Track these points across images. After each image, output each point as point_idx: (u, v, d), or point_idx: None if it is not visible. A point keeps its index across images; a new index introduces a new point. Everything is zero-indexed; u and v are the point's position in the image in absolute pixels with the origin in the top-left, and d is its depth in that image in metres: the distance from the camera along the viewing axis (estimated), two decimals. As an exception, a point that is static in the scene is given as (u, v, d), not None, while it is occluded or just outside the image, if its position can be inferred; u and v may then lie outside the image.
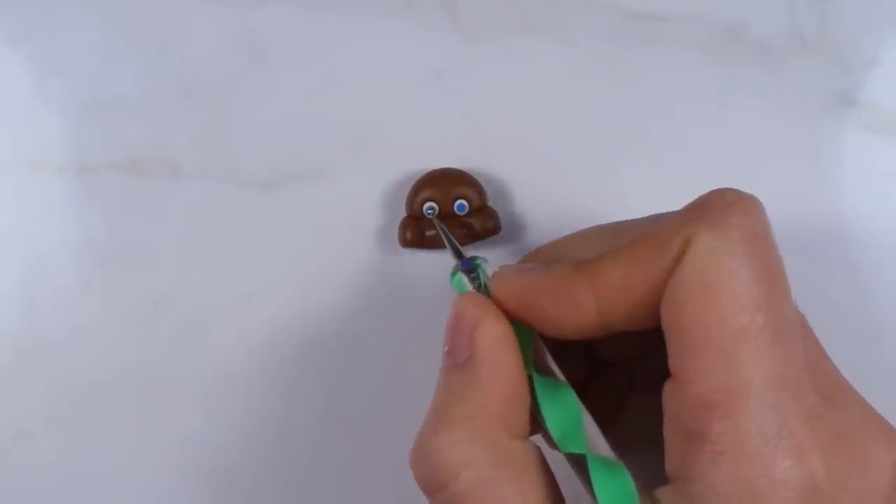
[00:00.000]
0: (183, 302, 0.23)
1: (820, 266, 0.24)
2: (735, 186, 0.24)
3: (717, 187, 0.24)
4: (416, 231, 0.22)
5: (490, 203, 0.23)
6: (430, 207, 0.22)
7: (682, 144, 0.24)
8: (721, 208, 0.17)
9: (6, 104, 0.22)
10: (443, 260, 0.23)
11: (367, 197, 0.23)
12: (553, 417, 0.17)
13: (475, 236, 0.23)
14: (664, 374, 0.16)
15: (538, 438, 0.18)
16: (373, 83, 0.23)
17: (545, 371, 0.18)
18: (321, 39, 0.23)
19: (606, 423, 0.17)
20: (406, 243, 0.23)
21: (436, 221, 0.22)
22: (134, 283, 0.23)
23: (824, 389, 0.17)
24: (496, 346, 0.18)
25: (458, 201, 0.22)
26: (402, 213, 0.23)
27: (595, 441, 0.17)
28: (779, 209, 0.24)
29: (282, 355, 0.23)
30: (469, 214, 0.22)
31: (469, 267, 0.20)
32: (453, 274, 0.20)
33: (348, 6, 0.23)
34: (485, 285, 0.19)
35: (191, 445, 0.23)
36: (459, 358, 0.19)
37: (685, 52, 0.23)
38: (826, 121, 0.24)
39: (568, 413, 0.17)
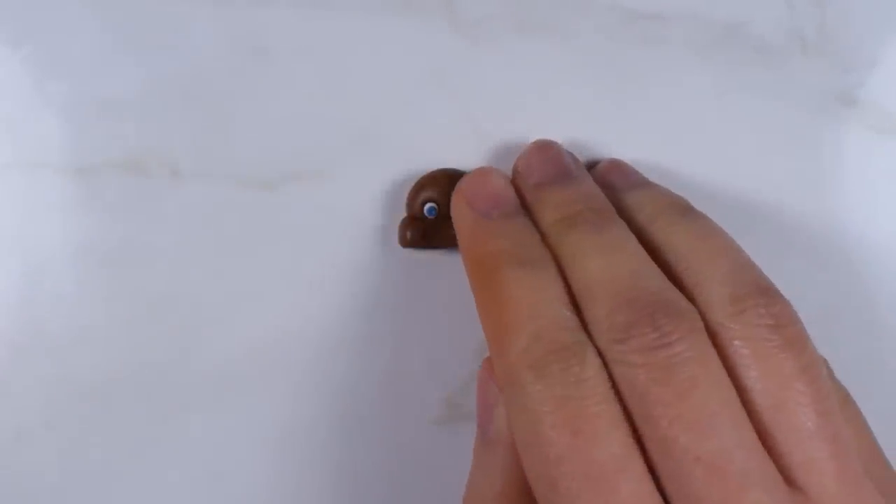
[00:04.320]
0: (183, 302, 0.23)
1: (820, 266, 0.24)
2: (734, 185, 0.24)
3: (713, 185, 0.24)
4: (416, 231, 0.22)
5: (490, 203, 0.23)
6: (430, 208, 0.22)
7: (682, 144, 0.24)
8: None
9: (6, 104, 0.22)
10: (443, 260, 0.23)
11: (367, 197, 0.23)
12: None
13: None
14: None
15: None
16: (373, 83, 0.23)
17: None
18: (321, 39, 0.23)
19: None
20: (406, 243, 0.23)
21: None
22: (134, 283, 0.23)
23: (883, 486, 0.17)
24: None
25: (458, 201, 0.22)
26: (403, 213, 0.23)
27: None
28: (779, 209, 0.24)
29: (281, 355, 0.23)
30: (469, 214, 0.22)
31: None
32: None
33: (348, 6, 0.23)
34: None
35: (191, 445, 0.23)
36: (486, 434, 0.20)
37: (685, 52, 0.23)
38: (826, 121, 0.24)
39: None
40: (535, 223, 0.21)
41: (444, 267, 0.23)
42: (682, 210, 0.20)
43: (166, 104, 0.23)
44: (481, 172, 0.22)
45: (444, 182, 0.23)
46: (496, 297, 0.19)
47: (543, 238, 0.20)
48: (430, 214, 0.22)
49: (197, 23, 0.23)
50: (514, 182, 0.22)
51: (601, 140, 0.23)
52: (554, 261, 0.19)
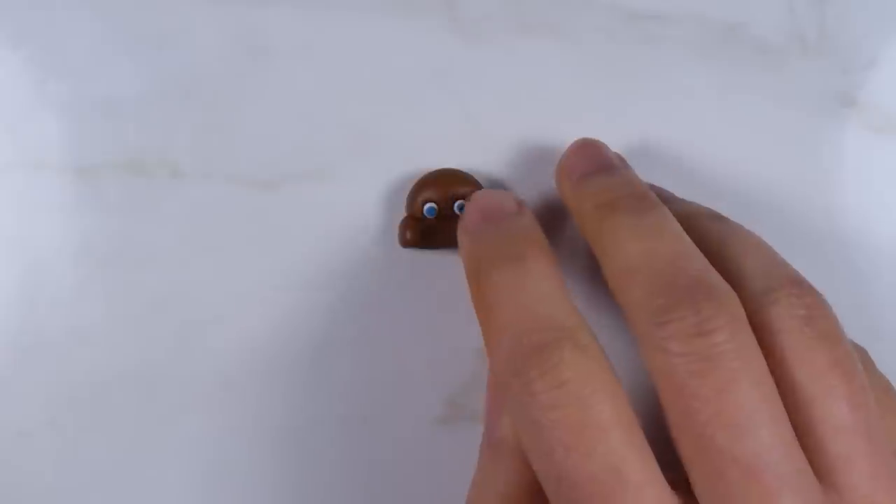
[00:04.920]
0: (183, 302, 0.23)
1: (820, 266, 0.24)
2: (735, 186, 0.24)
3: (714, 185, 0.24)
4: (416, 231, 0.22)
5: (490, 203, 0.23)
6: (430, 208, 0.22)
7: (682, 144, 0.24)
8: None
9: (6, 104, 0.22)
10: (443, 260, 0.23)
11: (367, 197, 0.23)
12: None
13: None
14: None
15: None
16: (373, 83, 0.23)
17: None
18: (321, 39, 0.23)
19: None
20: (406, 243, 0.23)
21: None
22: (134, 283, 0.23)
23: None
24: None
25: (458, 201, 0.22)
26: (403, 213, 0.23)
27: None
28: (779, 209, 0.24)
29: (281, 355, 0.23)
30: (469, 214, 0.22)
31: None
32: None
33: (348, 6, 0.23)
34: None
35: (190, 445, 0.23)
36: (491, 437, 0.19)
37: (685, 52, 0.23)
38: (826, 121, 0.24)
39: None
40: (576, 215, 0.20)
41: (444, 267, 0.23)
42: (716, 216, 0.20)
43: (166, 104, 0.23)
44: (475, 196, 0.21)
45: (443, 182, 0.23)
46: (480, 303, 0.18)
47: (582, 227, 0.19)
48: (430, 214, 0.22)
49: (197, 23, 0.23)
50: (558, 183, 0.21)
51: (601, 139, 0.23)
52: (547, 253, 0.19)
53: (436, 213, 0.22)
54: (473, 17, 0.23)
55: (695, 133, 0.24)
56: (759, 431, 0.15)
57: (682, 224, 0.19)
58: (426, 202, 0.22)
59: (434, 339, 0.23)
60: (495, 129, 0.23)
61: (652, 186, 0.22)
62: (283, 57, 0.23)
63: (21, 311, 0.23)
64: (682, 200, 0.22)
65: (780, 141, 0.24)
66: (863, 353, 0.20)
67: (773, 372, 0.16)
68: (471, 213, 0.21)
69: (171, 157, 0.23)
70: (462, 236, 0.21)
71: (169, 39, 0.23)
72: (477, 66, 0.23)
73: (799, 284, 0.17)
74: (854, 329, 0.23)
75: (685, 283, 0.16)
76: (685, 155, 0.24)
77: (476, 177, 0.23)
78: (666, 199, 0.21)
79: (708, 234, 0.19)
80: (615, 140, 0.23)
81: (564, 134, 0.23)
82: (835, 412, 0.16)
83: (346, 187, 0.23)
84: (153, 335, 0.23)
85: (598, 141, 0.21)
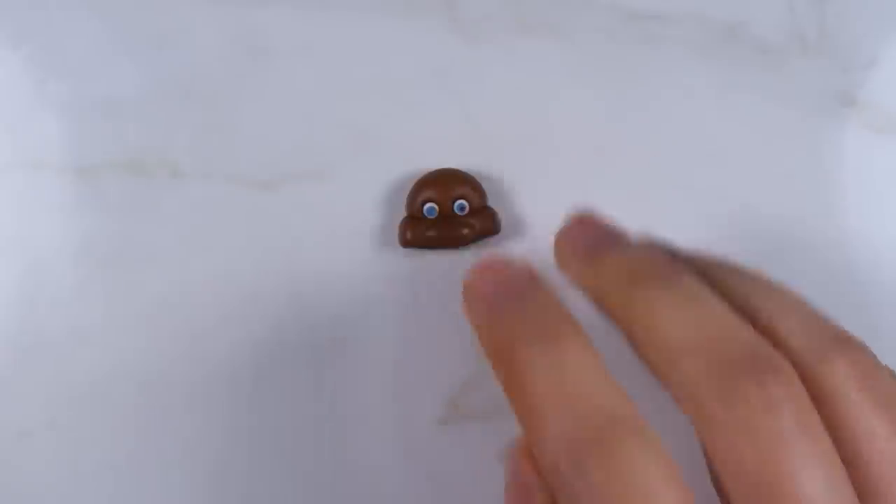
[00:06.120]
0: (183, 302, 0.23)
1: (819, 265, 0.24)
2: (735, 185, 0.24)
3: (713, 185, 0.24)
4: (416, 231, 0.22)
5: (490, 203, 0.23)
6: (430, 208, 0.22)
7: (682, 144, 0.24)
8: None
9: (6, 104, 0.22)
10: (443, 260, 0.23)
11: (367, 197, 0.23)
12: None
13: (475, 237, 0.23)
14: None
15: None
16: (373, 83, 0.23)
17: None
18: (321, 39, 0.23)
19: None
20: (406, 243, 0.23)
21: None
22: (134, 283, 0.23)
23: None
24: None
25: (458, 201, 0.22)
26: (402, 213, 0.23)
27: None
28: (779, 209, 0.24)
29: (281, 355, 0.23)
30: (469, 214, 0.23)
31: None
32: None
33: (348, 6, 0.23)
34: None
35: (191, 445, 0.23)
36: (505, 478, 0.19)
37: (685, 52, 0.23)
38: (826, 121, 0.24)
39: None
40: (593, 295, 0.19)
41: (444, 267, 0.23)
42: (730, 268, 0.19)
43: (166, 104, 0.23)
44: (482, 262, 0.20)
45: (444, 182, 0.23)
46: (511, 382, 0.17)
47: (607, 307, 0.19)
48: (430, 214, 0.22)
49: (197, 23, 0.23)
50: (563, 263, 0.20)
51: (601, 140, 0.23)
52: (581, 332, 0.18)
53: (436, 213, 0.22)
54: (473, 17, 0.23)
55: (695, 132, 0.24)
56: None
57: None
58: (426, 202, 0.22)
59: (434, 339, 0.23)
60: (495, 129, 0.23)
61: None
62: (283, 57, 0.23)
63: (21, 311, 0.23)
64: (688, 251, 0.21)
65: (780, 140, 0.24)
66: None
67: (834, 441, 0.16)
68: (482, 281, 0.19)
69: (171, 157, 0.23)
70: (475, 304, 0.19)
71: (169, 39, 0.23)
72: (477, 66, 0.23)
73: (849, 344, 0.17)
74: (854, 329, 0.23)
75: (742, 358, 0.16)
76: (685, 154, 0.24)
77: (476, 177, 0.23)
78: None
79: (733, 289, 0.18)
80: (614, 139, 0.23)
81: (564, 134, 0.23)
82: None
83: (346, 187, 0.23)
84: (153, 335, 0.23)
85: (592, 213, 0.20)
